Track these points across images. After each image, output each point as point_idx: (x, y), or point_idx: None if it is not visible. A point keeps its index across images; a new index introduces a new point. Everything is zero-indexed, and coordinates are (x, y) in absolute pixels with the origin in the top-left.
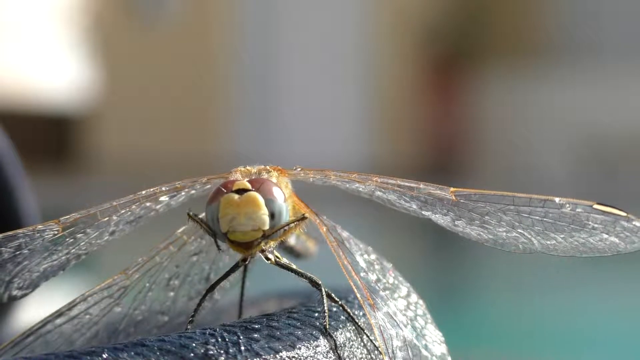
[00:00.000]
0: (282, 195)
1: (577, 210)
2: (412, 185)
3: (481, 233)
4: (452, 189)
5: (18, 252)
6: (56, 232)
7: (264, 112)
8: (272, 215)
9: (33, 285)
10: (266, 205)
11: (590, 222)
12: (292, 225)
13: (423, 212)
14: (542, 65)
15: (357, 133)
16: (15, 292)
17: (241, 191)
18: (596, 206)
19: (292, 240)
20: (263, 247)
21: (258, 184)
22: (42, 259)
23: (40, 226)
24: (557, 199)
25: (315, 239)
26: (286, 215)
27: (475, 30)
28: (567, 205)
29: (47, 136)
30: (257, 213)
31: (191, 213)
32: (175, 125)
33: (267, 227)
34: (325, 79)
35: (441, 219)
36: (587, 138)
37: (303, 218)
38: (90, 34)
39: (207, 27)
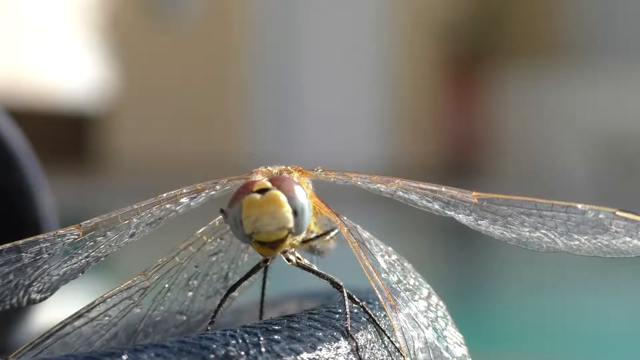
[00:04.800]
0: (304, 192)
1: (600, 216)
2: (434, 188)
3: (504, 232)
4: (474, 193)
5: (38, 257)
6: (77, 237)
7: (282, 112)
8: (295, 213)
9: (52, 289)
10: (288, 202)
11: (613, 227)
12: (326, 237)
13: (446, 212)
14: (562, 65)
15: (376, 133)
16: (34, 296)
17: (262, 191)
18: (619, 213)
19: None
20: (286, 248)
21: (279, 182)
22: (62, 262)
23: (61, 231)
24: (579, 206)
25: (333, 238)
26: (309, 212)
27: (495, 29)
28: (590, 212)
29: (64, 136)
30: (281, 211)
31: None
32: (193, 126)
33: (291, 225)
34: (344, 78)
35: (464, 219)
36: (607, 138)
37: (330, 231)
38: (108, 33)
39: (226, 26)
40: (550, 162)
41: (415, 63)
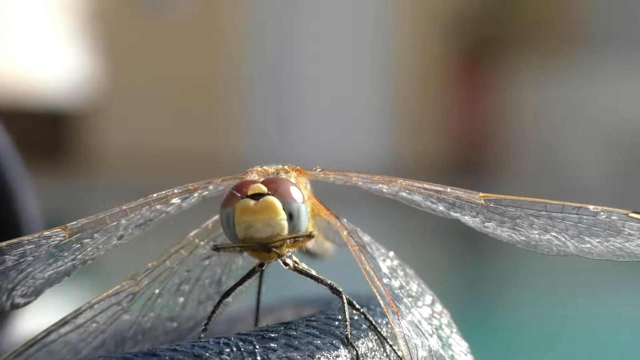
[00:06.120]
0: (301, 195)
1: (612, 218)
2: (439, 188)
3: (513, 235)
4: (480, 194)
5: (22, 260)
6: (62, 239)
7: (279, 108)
8: (290, 217)
9: (37, 293)
10: (284, 207)
11: (626, 229)
12: (300, 239)
13: (451, 213)
14: (576, 58)
15: (379, 130)
16: (18, 300)
17: (257, 195)
18: (632, 214)
19: (310, 243)
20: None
21: (275, 186)
22: (47, 265)
23: (46, 232)
24: (591, 207)
25: (333, 241)
26: (305, 216)
27: (505, 19)
28: (602, 214)
29: (46, 134)
30: (275, 219)
31: (215, 245)
32: (184, 122)
33: (285, 232)
34: (344, 72)
35: (470, 220)
36: (625, 136)
37: (309, 235)
38: (91, 23)
39: (218, 17)
40: (563, 161)
41: (421, 55)
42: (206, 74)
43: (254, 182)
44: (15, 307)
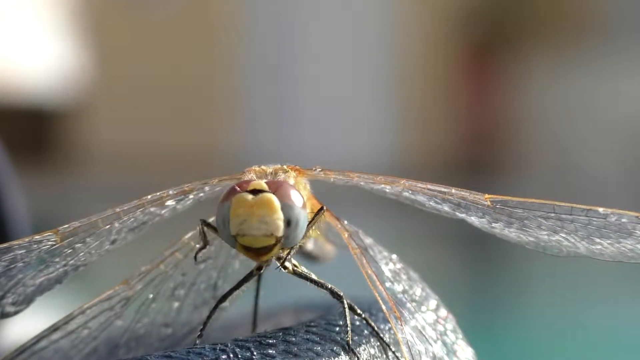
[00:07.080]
0: (302, 200)
1: (623, 220)
2: (443, 189)
3: (521, 235)
4: (486, 195)
5: (12, 266)
6: (54, 243)
7: (277, 103)
8: (288, 222)
9: (27, 301)
10: (282, 210)
11: (637, 231)
12: (313, 228)
13: (457, 214)
14: (591, 51)
15: (383, 127)
16: (8, 309)
17: (256, 192)
18: None
19: (309, 245)
20: (279, 255)
21: (275, 186)
22: (38, 271)
23: (37, 237)
24: (600, 209)
25: (334, 243)
26: (304, 222)
27: (516, 11)
28: (612, 216)
29: (31, 132)
30: (271, 217)
31: (204, 220)
32: (177, 120)
33: (280, 233)
34: (346, 70)
35: (477, 221)
36: (638, 133)
37: (320, 210)
38: (80, 17)
39: (213, 9)
40: (577, 159)
41: (426, 50)
42: (201, 70)
43: (255, 180)
44: (6, 316)
